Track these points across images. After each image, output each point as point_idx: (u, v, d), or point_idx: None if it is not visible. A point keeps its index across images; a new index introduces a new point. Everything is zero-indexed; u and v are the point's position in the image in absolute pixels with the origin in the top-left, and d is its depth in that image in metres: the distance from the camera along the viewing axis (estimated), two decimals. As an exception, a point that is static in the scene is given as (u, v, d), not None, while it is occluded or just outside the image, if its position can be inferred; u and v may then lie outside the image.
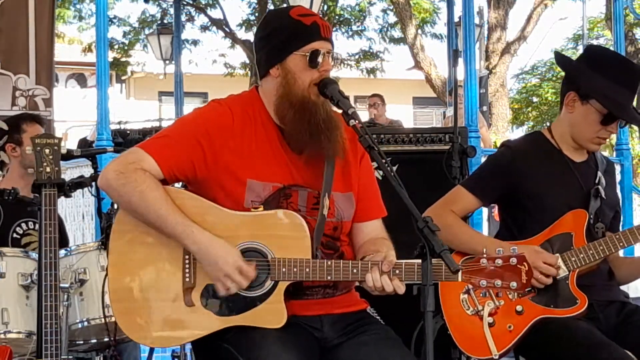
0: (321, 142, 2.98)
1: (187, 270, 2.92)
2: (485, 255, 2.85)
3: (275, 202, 2.98)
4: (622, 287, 3.87)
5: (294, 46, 3.01)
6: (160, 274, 2.93)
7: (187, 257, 2.92)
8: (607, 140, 3.87)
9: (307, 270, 2.88)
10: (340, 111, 2.99)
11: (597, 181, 3.75)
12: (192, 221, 2.89)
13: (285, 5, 15.59)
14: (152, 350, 4.45)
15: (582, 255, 3.58)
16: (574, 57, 3.92)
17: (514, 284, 2.82)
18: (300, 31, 3.02)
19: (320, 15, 3.30)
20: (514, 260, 2.83)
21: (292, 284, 2.94)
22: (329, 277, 2.90)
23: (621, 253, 3.83)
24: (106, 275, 3.00)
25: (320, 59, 3.00)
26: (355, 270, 2.90)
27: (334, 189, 3.05)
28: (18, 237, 4.60)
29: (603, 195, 3.74)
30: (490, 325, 3.50)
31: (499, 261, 2.83)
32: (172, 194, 2.94)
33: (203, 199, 2.97)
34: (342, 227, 3.09)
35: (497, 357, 3.47)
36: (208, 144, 2.97)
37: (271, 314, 2.88)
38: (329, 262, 2.90)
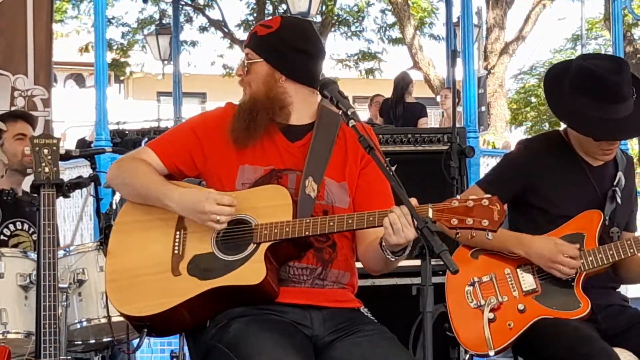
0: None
1: (176, 244, 3.03)
2: (457, 198, 2.89)
3: (266, 183, 3.07)
4: (621, 290, 3.81)
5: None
6: (152, 252, 3.05)
7: (177, 233, 3.05)
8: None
9: (287, 229, 2.95)
10: (340, 111, 2.99)
11: (615, 183, 3.66)
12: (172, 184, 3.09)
13: (284, 6, 15.58)
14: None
15: (590, 259, 3.51)
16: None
17: (485, 222, 2.83)
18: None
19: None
20: (485, 202, 2.85)
21: (280, 269, 3.01)
22: (307, 232, 2.95)
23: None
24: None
25: None
26: (332, 223, 2.95)
27: (329, 176, 3.11)
28: (5, 238, 4.56)
29: (619, 200, 3.64)
30: (491, 320, 3.48)
31: (470, 202, 2.85)
32: None
33: (188, 183, 3.14)
34: (332, 211, 3.08)
35: (492, 353, 3.44)
36: (204, 135, 3.13)
37: (250, 272, 2.93)
38: (308, 220, 2.96)
